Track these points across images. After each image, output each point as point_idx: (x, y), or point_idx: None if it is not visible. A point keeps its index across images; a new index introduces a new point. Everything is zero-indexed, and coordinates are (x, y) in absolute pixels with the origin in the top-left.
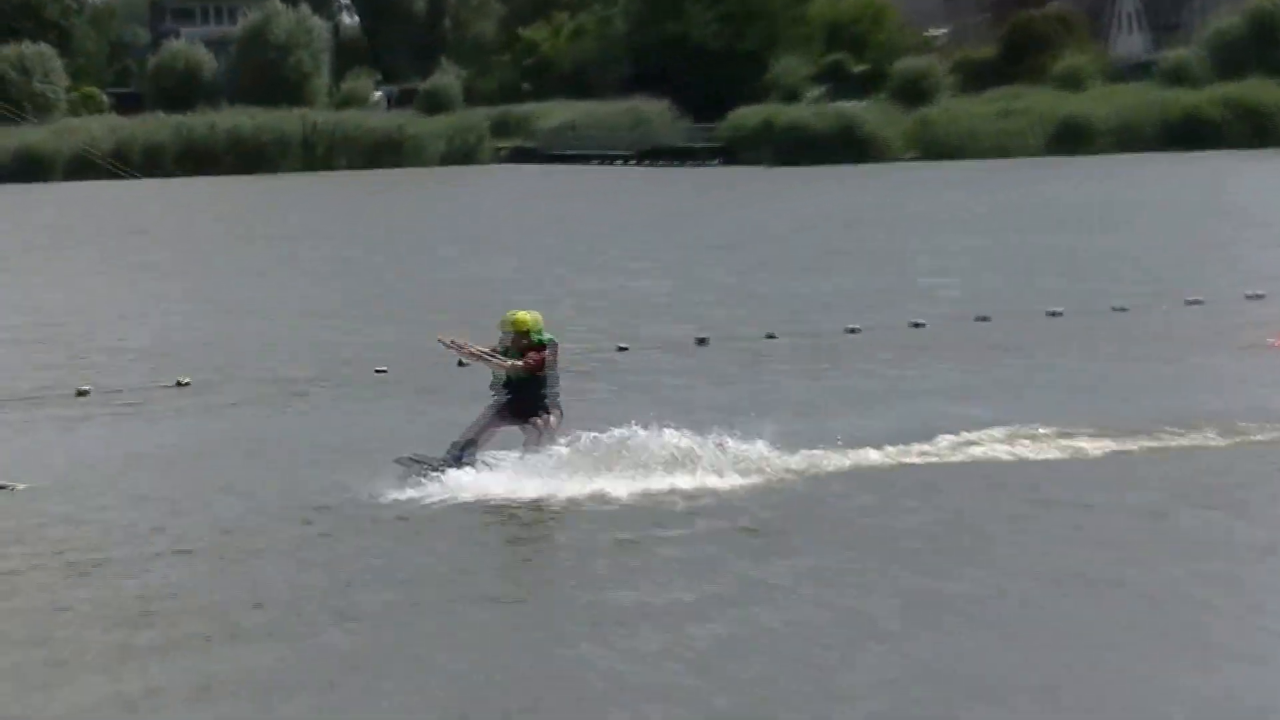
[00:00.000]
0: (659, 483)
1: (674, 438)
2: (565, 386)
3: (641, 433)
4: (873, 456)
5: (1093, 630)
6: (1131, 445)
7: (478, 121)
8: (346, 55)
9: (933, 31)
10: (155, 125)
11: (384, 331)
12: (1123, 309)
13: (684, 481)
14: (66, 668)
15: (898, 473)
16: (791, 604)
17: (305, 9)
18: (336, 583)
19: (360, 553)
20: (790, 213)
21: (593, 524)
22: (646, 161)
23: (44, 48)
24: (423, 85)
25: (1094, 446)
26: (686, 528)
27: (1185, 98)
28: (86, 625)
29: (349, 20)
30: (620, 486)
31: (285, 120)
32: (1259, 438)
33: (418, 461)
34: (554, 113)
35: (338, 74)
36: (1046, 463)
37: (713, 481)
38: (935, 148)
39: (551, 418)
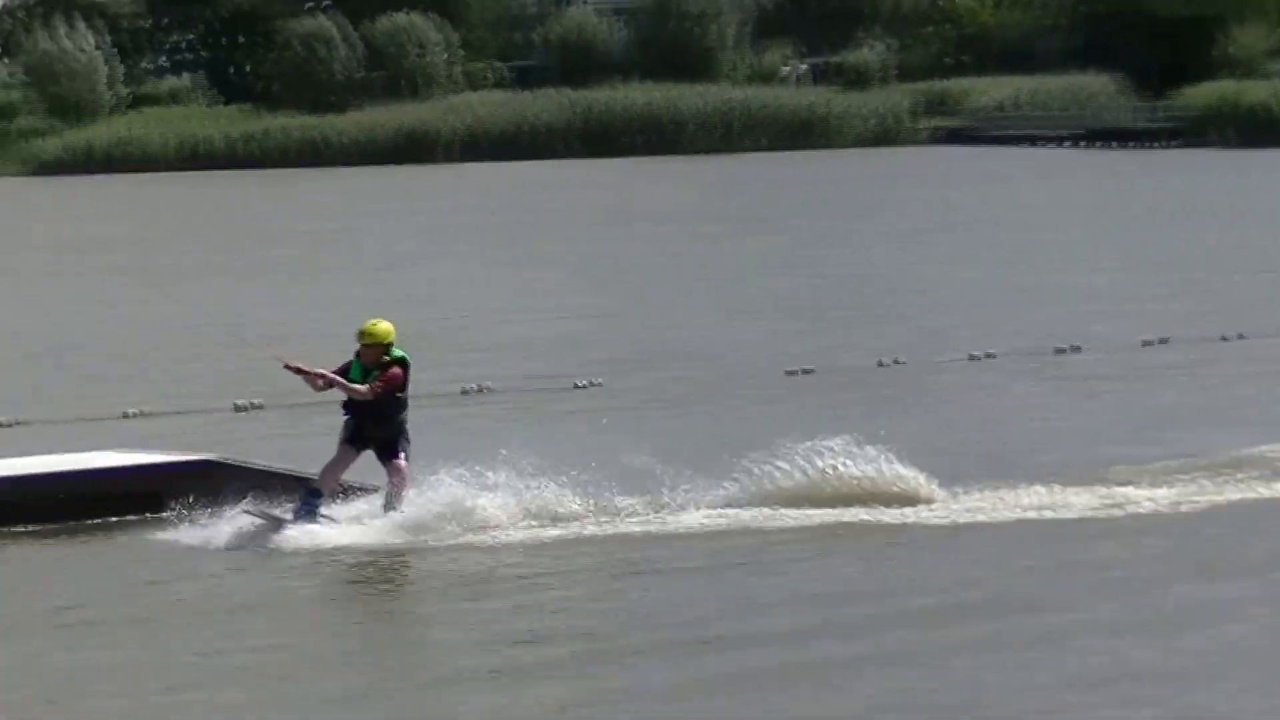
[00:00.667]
0: None
1: None
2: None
3: None
4: None
5: None
6: None
7: (903, 99)
8: (763, 25)
9: None
10: (549, 102)
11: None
12: None
13: None
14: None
15: None
16: None
17: None
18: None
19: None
20: None
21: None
22: (1098, 143)
23: (431, 19)
24: (844, 59)
25: None
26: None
27: None
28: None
29: None
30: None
31: (690, 96)
32: None
33: (265, 515)
34: (989, 89)
35: (753, 45)
36: None
37: None
38: None
39: (402, 458)
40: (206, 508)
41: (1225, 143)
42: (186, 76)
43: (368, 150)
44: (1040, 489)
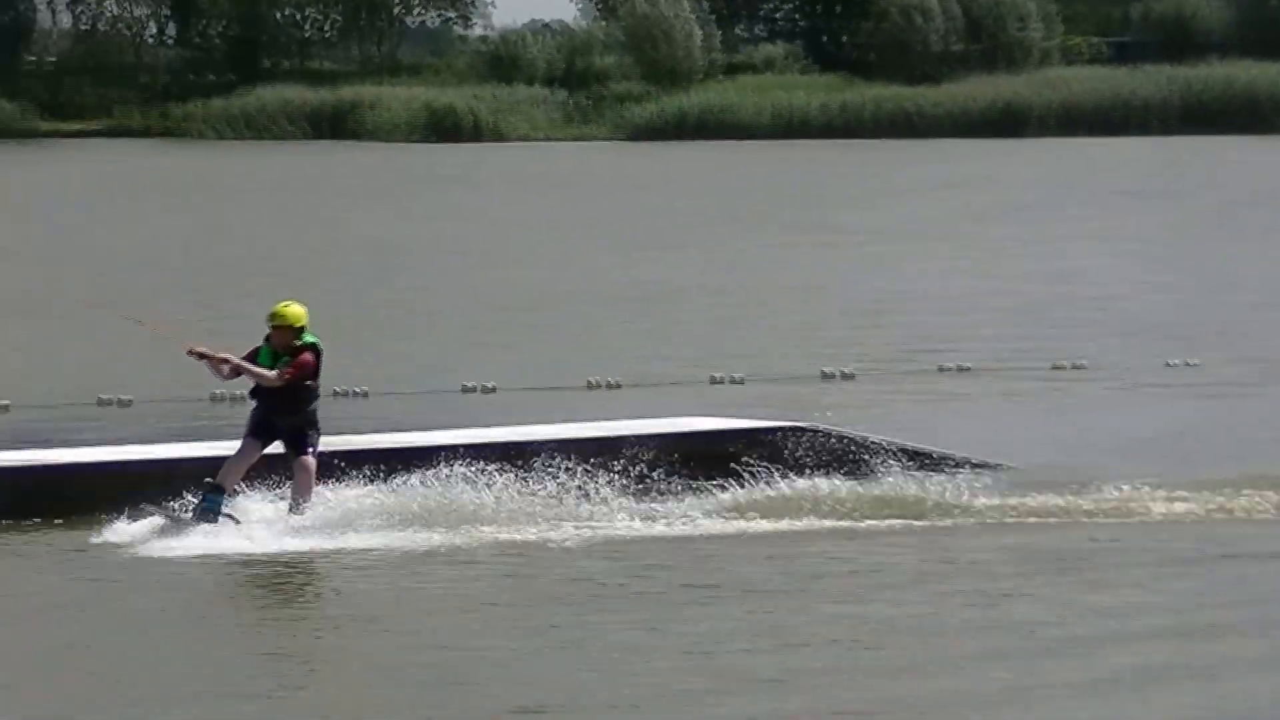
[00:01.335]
0: None
1: None
2: None
3: None
4: None
5: None
6: None
7: None
8: None
9: None
10: (1147, 78)
11: None
12: None
13: None
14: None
15: None
16: None
17: None
18: None
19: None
20: None
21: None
22: None
23: None
24: None
25: None
26: None
27: None
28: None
29: None
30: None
31: None
32: None
33: (166, 513)
34: None
35: None
36: None
37: None
38: None
39: (309, 453)
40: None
41: None
42: (781, 45)
43: (960, 123)
44: None
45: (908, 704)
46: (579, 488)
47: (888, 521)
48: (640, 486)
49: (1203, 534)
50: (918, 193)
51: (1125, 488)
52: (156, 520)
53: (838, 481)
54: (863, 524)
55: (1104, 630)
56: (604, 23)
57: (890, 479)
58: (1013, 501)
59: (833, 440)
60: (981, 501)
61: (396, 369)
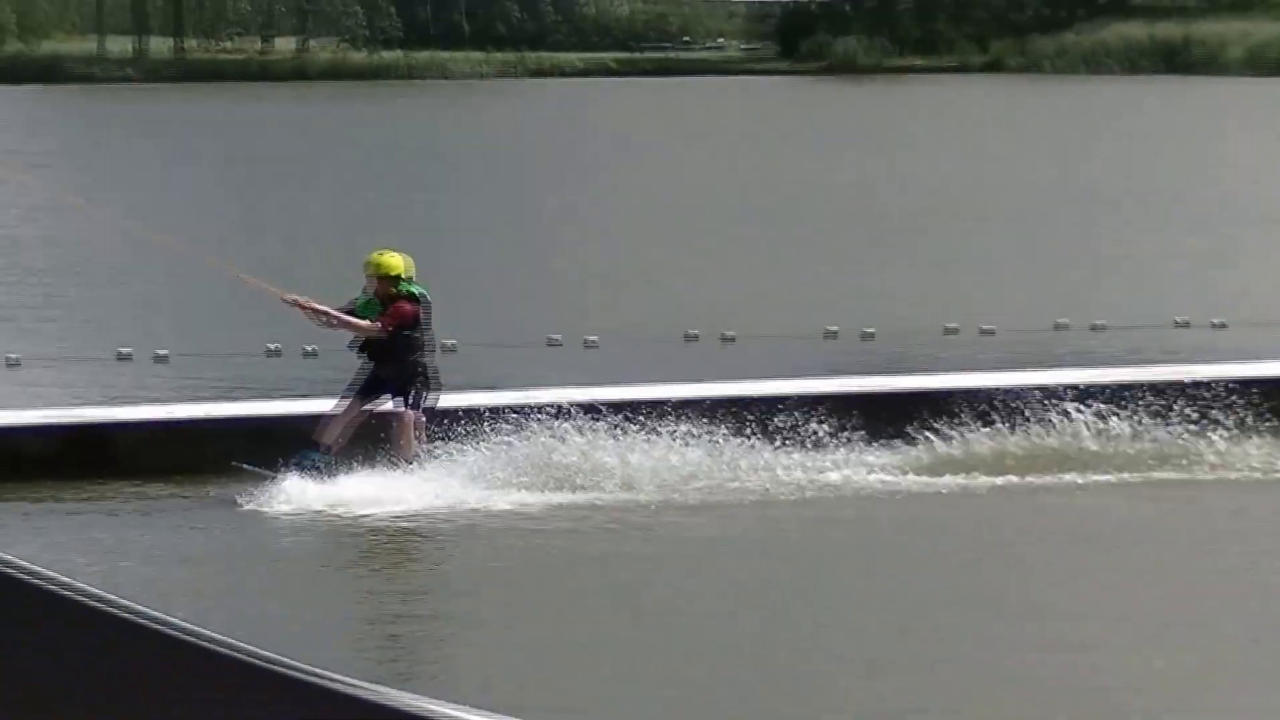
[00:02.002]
0: None
1: None
2: None
3: None
4: None
5: None
6: None
7: None
8: None
9: None
10: None
11: None
12: None
13: None
14: None
15: None
16: None
17: None
18: None
19: None
20: None
21: None
22: None
23: None
24: None
25: None
26: None
27: None
28: None
29: None
30: None
31: None
32: None
33: (259, 470)
34: None
35: None
36: None
37: None
38: None
39: (412, 415)
40: None
41: None
42: None
43: None
44: None
45: None
46: None
47: None
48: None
49: None
50: None
51: None
52: (259, 477)
53: None
54: None
55: None
56: None
57: None
58: None
59: None
60: None
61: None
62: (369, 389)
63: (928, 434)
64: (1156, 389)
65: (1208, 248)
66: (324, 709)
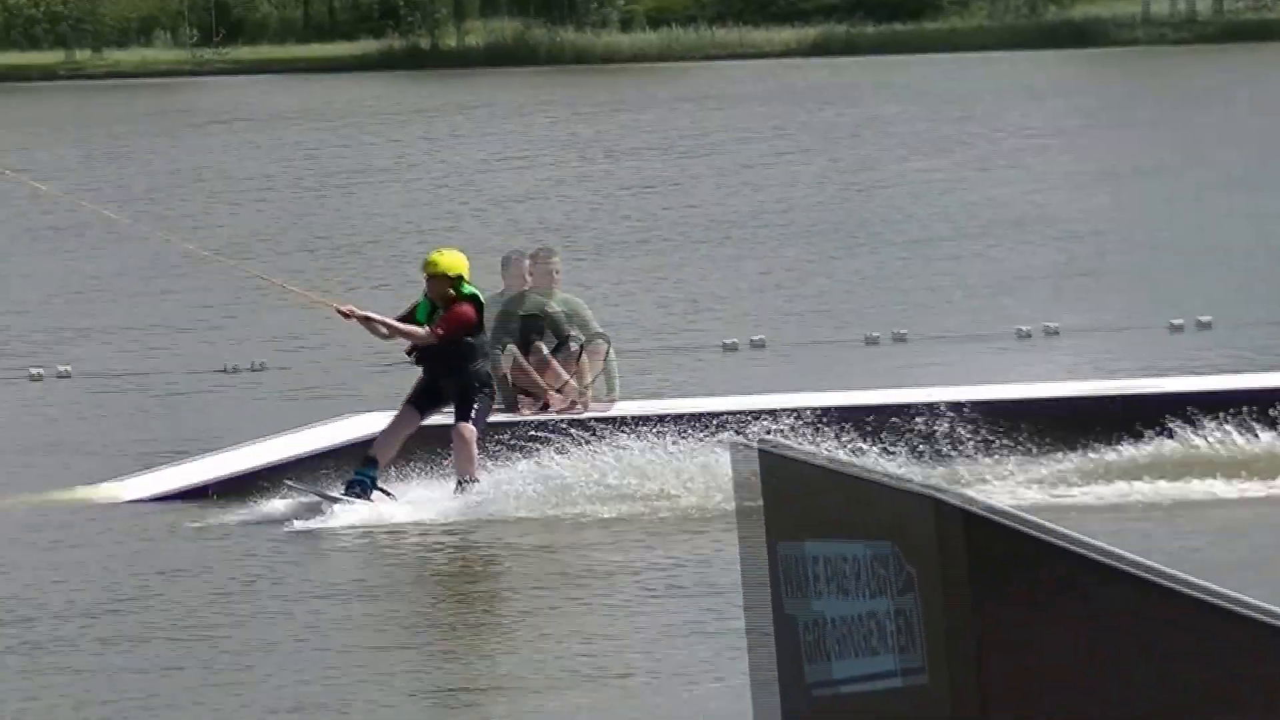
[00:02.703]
0: None
1: None
2: None
3: None
4: None
5: None
6: None
7: None
8: None
9: None
10: None
11: None
12: None
13: None
14: None
15: None
16: None
17: None
18: None
19: None
20: None
21: None
22: None
23: None
24: None
25: None
26: None
27: None
28: None
29: None
30: None
31: None
32: None
33: (312, 490)
34: None
35: None
36: None
37: None
38: None
39: (473, 430)
40: None
41: None
42: None
43: None
44: None
45: None
46: None
47: None
48: None
49: None
50: None
51: None
52: (307, 498)
53: None
54: None
55: None
56: None
57: None
58: None
59: None
60: None
61: None
62: (427, 401)
63: None
64: None
65: None
66: None
